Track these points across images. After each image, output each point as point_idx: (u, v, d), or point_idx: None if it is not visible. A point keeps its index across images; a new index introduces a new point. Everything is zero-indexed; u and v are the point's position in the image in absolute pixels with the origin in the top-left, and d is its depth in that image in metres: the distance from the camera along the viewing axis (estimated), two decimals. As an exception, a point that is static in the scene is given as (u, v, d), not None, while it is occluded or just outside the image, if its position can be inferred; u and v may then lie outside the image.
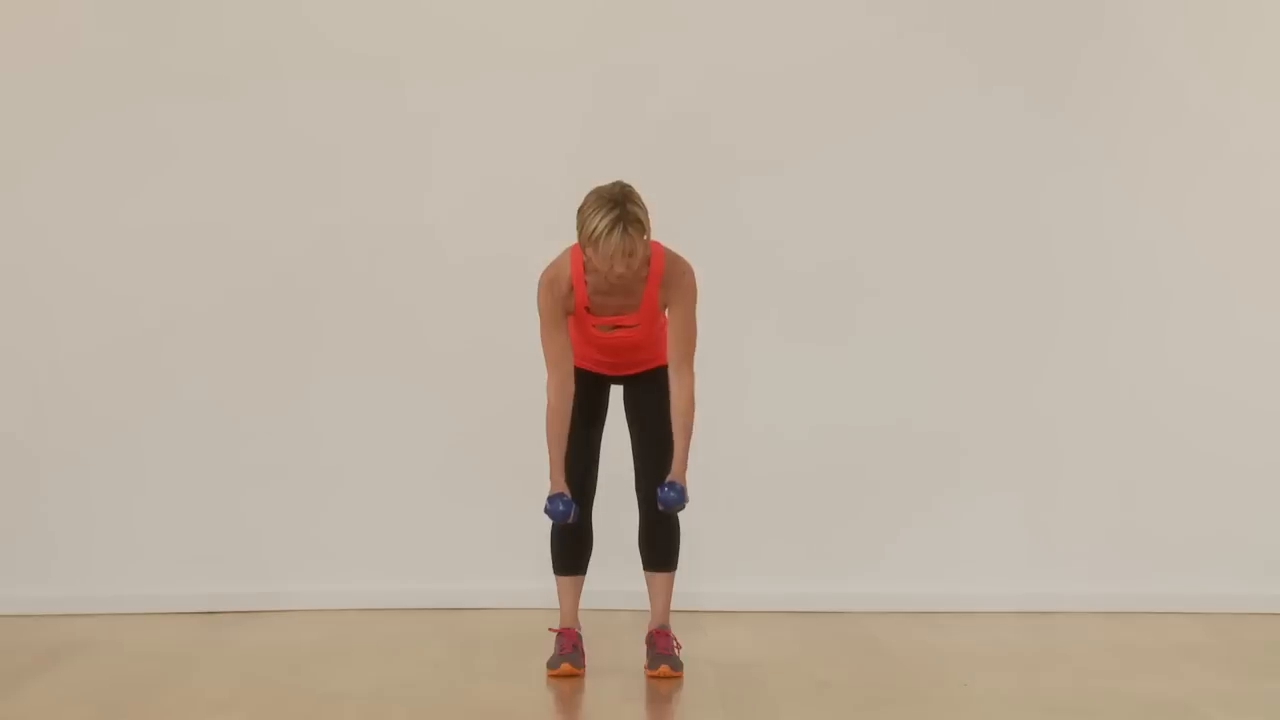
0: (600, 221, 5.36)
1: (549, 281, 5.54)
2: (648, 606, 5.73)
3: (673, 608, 5.74)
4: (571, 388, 5.55)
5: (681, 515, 5.65)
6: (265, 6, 6.81)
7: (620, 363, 5.66)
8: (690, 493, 5.59)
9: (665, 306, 5.57)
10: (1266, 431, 6.84)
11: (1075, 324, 6.86)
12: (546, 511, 5.57)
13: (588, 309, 5.55)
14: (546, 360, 5.55)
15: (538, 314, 5.55)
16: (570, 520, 5.56)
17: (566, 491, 5.54)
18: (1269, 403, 6.84)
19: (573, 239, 5.49)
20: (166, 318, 6.79)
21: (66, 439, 6.77)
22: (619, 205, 5.37)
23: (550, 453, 5.57)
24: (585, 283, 5.51)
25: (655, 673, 5.59)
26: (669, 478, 5.55)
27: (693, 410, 5.56)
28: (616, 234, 5.35)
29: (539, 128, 6.79)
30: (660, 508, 5.55)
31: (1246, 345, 6.85)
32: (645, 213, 5.41)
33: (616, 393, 5.72)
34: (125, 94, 6.75)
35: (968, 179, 6.84)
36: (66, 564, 6.74)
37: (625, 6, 6.85)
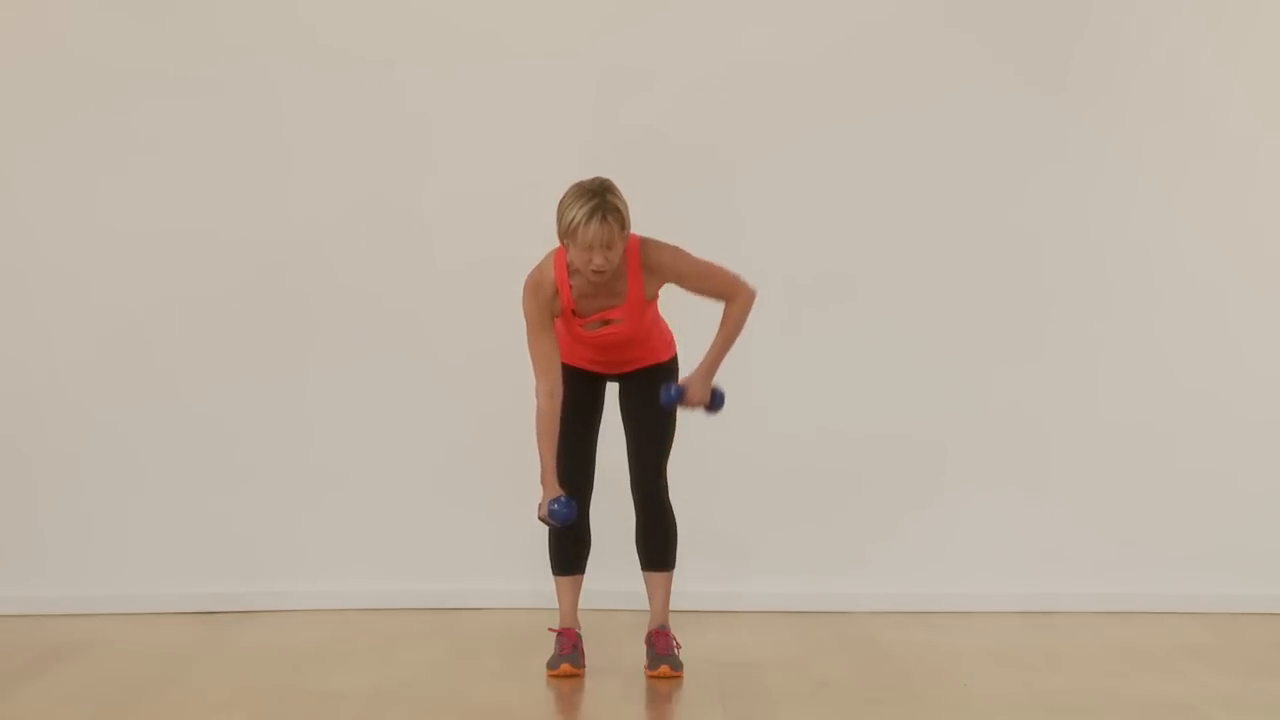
0: (579, 212, 5.33)
1: (533, 286, 5.49)
2: (647, 606, 5.73)
3: (673, 608, 5.74)
4: (560, 392, 5.48)
5: (680, 515, 5.65)
6: (260, 5, 6.80)
7: (611, 360, 5.64)
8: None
9: (654, 294, 5.51)
10: (1266, 431, 6.84)
11: (1073, 323, 6.85)
12: (547, 518, 5.46)
13: (574, 311, 5.53)
14: (534, 366, 5.49)
15: (524, 319, 5.51)
16: (571, 520, 5.50)
17: (562, 493, 5.49)
18: (1267, 402, 6.84)
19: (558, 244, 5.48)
20: (163, 319, 6.78)
21: (64, 439, 6.77)
22: (598, 195, 5.35)
23: (542, 457, 5.49)
24: (570, 285, 5.49)
25: (655, 673, 5.59)
26: (682, 380, 5.57)
27: (742, 322, 5.55)
28: (595, 223, 5.33)
29: (537, 130, 6.78)
30: (662, 403, 5.56)
31: (1241, 345, 6.84)
32: (625, 205, 5.39)
33: (613, 393, 5.72)
34: (117, 93, 6.74)
35: (958, 180, 6.83)
36: (65, 564, 6.74)
37: (624, 9, 6.85)
